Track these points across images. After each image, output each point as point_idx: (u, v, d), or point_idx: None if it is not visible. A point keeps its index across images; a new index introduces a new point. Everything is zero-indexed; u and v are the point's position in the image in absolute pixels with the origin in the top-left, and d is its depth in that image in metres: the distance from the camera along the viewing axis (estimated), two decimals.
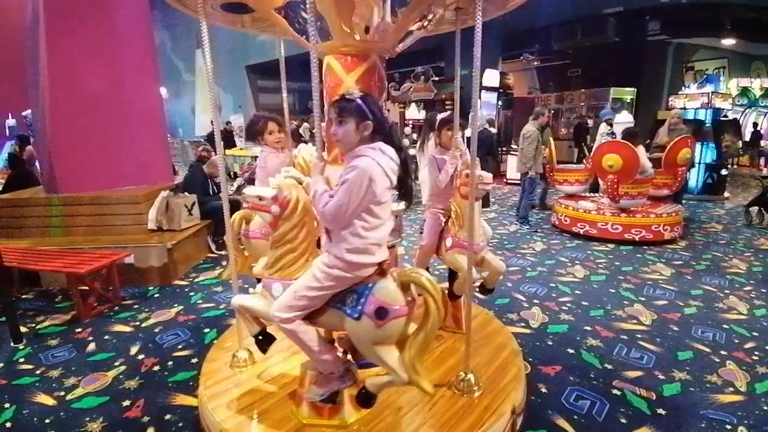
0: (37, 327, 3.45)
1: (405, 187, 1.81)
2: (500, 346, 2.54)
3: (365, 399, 1.80)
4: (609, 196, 5.59)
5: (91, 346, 3.14)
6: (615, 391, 2.49)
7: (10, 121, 8.79)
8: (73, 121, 4.56)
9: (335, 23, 2.02)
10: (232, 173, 8.51)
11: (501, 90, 12.21)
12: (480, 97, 11.09)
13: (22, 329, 3.30)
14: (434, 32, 2.71)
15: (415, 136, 9.98)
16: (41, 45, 4.45)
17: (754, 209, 6.56)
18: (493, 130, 8.78)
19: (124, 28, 4.84)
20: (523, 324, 3.36)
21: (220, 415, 1.97)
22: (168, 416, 2.34)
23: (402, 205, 2.26)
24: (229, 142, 11.59)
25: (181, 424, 2.28)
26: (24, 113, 8.07)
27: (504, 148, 11.48)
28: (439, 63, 12.55)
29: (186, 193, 5.01)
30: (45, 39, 4.42)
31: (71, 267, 3.58)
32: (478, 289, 2.66)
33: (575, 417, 2.28)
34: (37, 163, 6.33)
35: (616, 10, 10.17)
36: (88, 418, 2.33)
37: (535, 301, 3.78)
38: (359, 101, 1.62)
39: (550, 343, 3.07)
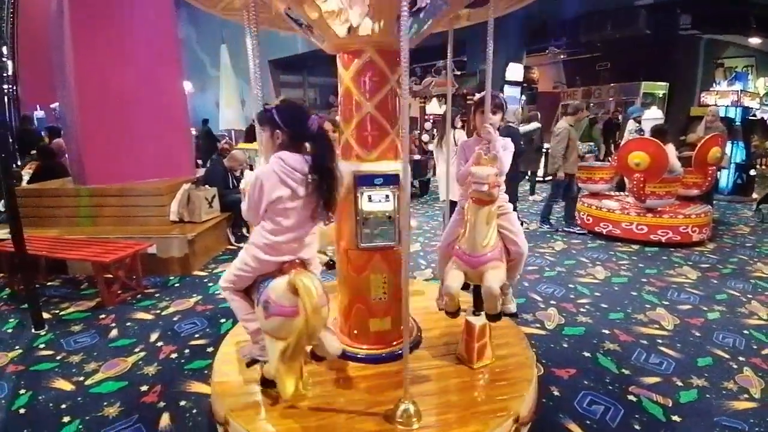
0: (61, 313, 3.59)
1: (323, 195, 1.79)
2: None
3: (263, 381, 2.03)
4: (635, 195, 5.42)
5: (114, 332, 3.25)
6: (631, 397, 2.43)
7: (39, 113, 9.10)
8: (100, 116, 4.70)
9: (319, 21, 1.98)
10: (252, 166, 8.63)
11: (525, 84, 11.96)
12: (502, 91, 10.95)
13: (46, 315, 3.43)
14: (455, 26, 2.68)
15: (435, 131, 9.93)
16: (66, 39, 4.58)
17: (766, 206, 6.44)
18: (535, 125, 7.52)
19: (148, 22, 4.94)
20: (538, 325, 3.30)
21: (228, 402, 2.02)
22: (183, 402, 2.41)
23: (414, 222, 2.23)
24: (251, 136, 11.76)
25: (195, 411, 2.34)
26: (52, 105, 8.32)
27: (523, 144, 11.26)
28: (461, 57, 12.38)
29: (207, 186, 5.11)
30: (70, 32, 4.54)
31: (97, 256, 3.71)
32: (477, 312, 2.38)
33: (587, 422, 2.23)
34: (66, 155, 6.56)
35: (647, 2, 9.82)
36: (105, 403, 2.42)
37: (552, 301, 3.71)
38: (273, 112, 1.78)
39: (565, 345, 3.01)
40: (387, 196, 2.14)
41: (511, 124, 6.11)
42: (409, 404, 1.84)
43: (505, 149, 2.19)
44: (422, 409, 1.86)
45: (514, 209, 7.34)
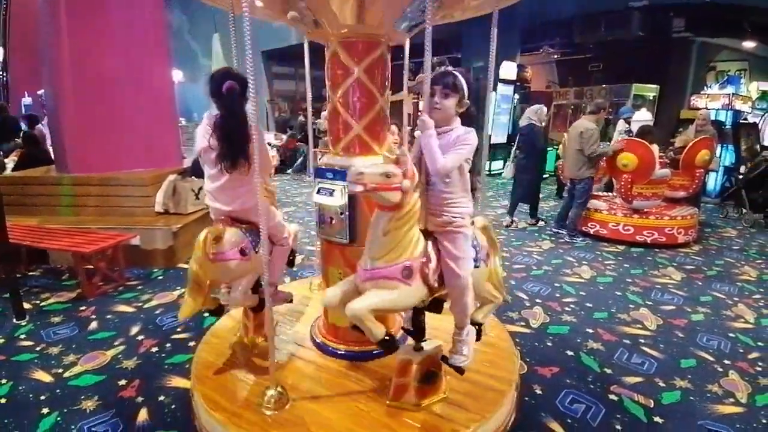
0: (41, 304, 3.52)
1: (222, 149, 2.01)
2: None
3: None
4: (622, 196, 5.46)
5: (93, 325, 3.19)
6: (612, 397, 2.44)
7: (26, 100, 8.89)
8: (85, 102, 4.59)
9: (351, 7, 1.92)
10: None
11: (518, 83, 11.96)
12: (495, 89, 10.94)
13: (27, 306, 3.37)
14: (450, 20, 2.64)
15: None
16: (55, 25, 4.47)
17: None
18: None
19: (135, 9, 4.83)
20: (523, 323, 3.30)
21: (204, 391, 2.00)
22: (162, 397, 2.37)
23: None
24: None
25: (173, 406, 2.31)
26: (39, 92, 8.14)
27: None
28: (455, 53, 12.34)
29: (193, 178, 5.02)
30: (59, 19, 4.43)
31: (78, 246, 3.63)
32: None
33: (568, 420, 2.24)
34: (48, 144, 6.41)
35: (641, 4, 9.86)
36: (83, 396, 2.37)
37: (538, 300, 3.72)
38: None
39: (549, 344, 3.01)
40: (332, 192, 2.12)
41: (533, 121, 5.96)
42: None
43: (457, 145, 1.68)
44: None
45: (534, 212, 6.37)
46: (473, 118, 1.86)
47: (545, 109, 6.32)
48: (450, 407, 1.94)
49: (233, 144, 1.99)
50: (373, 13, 1.95)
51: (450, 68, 1.85)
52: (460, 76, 1.72)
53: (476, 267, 1.85)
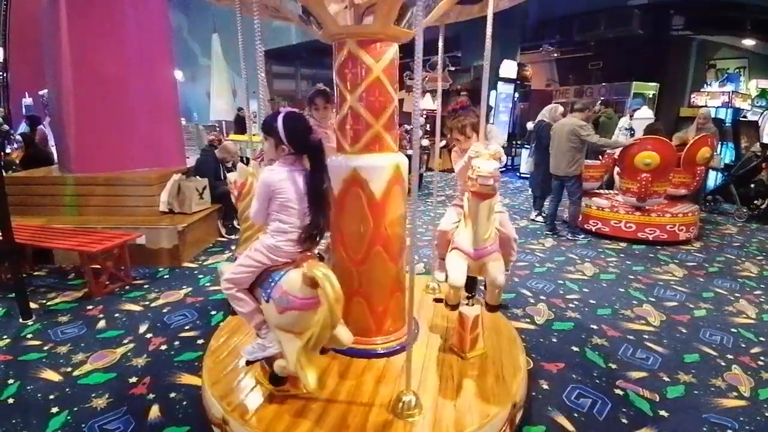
0: (48, 303, 3.54)
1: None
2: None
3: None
4: (638, 195, 5.40)
5: (101, 324, 3.21)
6: (618, 391, 2.47)
7: (27, 100, 8.87)
8: (89, 103, 4.62)
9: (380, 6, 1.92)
10: (244, 158, 8.56)
11: (518, 81, 11.99)
12: (495, 88, 10.97)
13: (33, 305, 3.38)
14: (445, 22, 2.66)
15: (428, 126, 9.91)
16: (58, 25, 4.48)
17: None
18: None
19: (139, 10, 4.85)
20: (528, 320, 3.33)
21: (218, 392, 2.01)
22: (173, 394, 2.39)
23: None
24: (241, 126, 11.68)
25: (185, 403, 2.32)
26: (40, 92, 8.12)
27: (519, 142, 11.32)
28: (455, 53, 12.36)
29: (197, 177, 5.05)
30: (63, 19, 4.45)
31: (85, 246, 3.65)
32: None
33: (575, 415, 2.27)
34: (50, 144, 6.42)
35: (641, 3, 9.90)
36: (93, 394, 2.39)
37: (542, 297, 3.75)
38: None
39: (554, 340, 3.04)
40: None
41: (545, 118, 5.99)
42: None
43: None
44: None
45: (540, 204, 6.50)
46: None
47: (561, 108, 6.31)
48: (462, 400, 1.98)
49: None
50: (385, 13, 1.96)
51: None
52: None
53: None
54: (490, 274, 2.19)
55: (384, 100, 2.13)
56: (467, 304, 2.42)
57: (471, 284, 2.47)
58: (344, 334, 1.94)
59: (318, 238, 1.88)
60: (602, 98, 10.35)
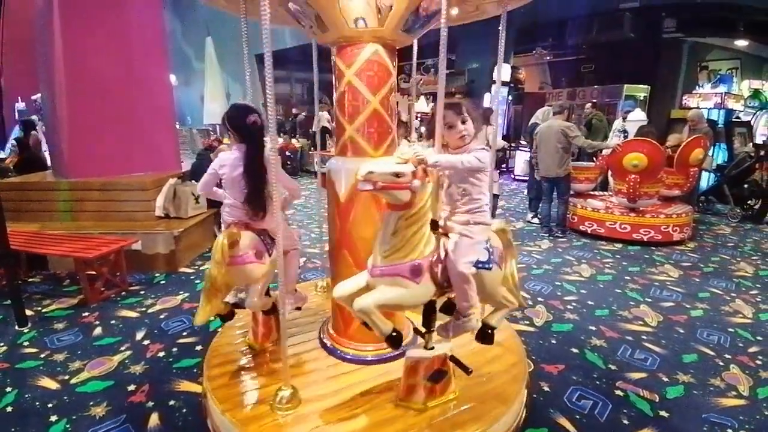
0: (43, 310, 3.50)
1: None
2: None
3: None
4: (628, 196, 5.46)
5: (98, 331, 3.18)
6: (618, 392, 2.48)
7: (20, 105, 8.79)
8: (84, 107, 4.57)
9: (326, 10, 1.95)
10: None
11: (512, 84, 12.07)
12: (491, 91, 11.02)
13: (28, 312, 3.33)
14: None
15: (423, 129, 9.94)
16: (53, 29, 4.44)
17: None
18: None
19: (135, 13, 4.82)
20: (527, 322, 3.34)
21: (220, 397, 2.00)
22: (172, 402, 2.37)
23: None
24: None
25: (185, 410, 2.30)
26: (34, 97, 8.05)
27: (513, 144, 11.38)
28: (450, 55, 12.41)
29: (193, 181, 5.01)
30: (58, 23, 4.41)
31: (80, 251, 3.61)
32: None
33: (577, 416, 2.27)
34: (43, 149, 6.35)
35: (632, 6, 9.99)
36: (92, 402, 2.36)
37: (540, 299, 3.76)
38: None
39: (553, 341, 3.05)
40: None
41: (538, 121, 6.09)
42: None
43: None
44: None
45: (536, 206, 6.37)
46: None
47: (548, 108, 6.42)
48: (458, 408, 1.96)
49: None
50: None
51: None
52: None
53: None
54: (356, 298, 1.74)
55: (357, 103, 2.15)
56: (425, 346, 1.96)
57: (429, 316, 1.95)
58: (249, 298, 2.26)
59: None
60: (593, 101, 10.44)
